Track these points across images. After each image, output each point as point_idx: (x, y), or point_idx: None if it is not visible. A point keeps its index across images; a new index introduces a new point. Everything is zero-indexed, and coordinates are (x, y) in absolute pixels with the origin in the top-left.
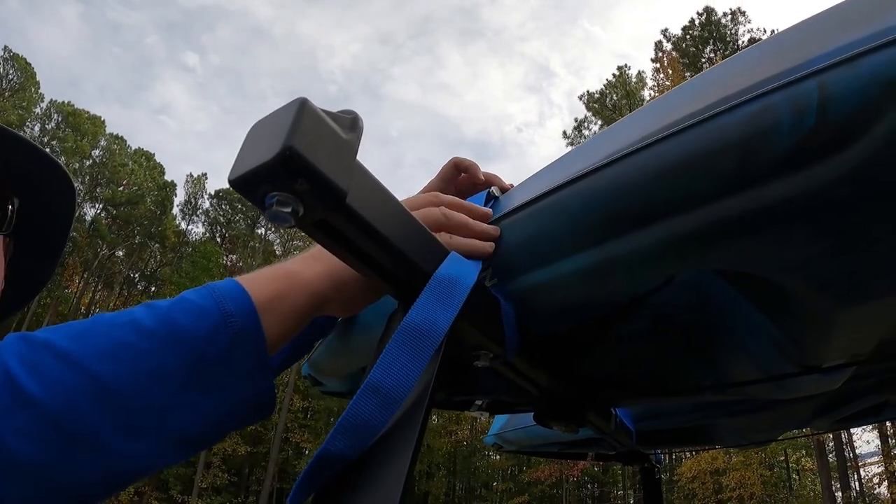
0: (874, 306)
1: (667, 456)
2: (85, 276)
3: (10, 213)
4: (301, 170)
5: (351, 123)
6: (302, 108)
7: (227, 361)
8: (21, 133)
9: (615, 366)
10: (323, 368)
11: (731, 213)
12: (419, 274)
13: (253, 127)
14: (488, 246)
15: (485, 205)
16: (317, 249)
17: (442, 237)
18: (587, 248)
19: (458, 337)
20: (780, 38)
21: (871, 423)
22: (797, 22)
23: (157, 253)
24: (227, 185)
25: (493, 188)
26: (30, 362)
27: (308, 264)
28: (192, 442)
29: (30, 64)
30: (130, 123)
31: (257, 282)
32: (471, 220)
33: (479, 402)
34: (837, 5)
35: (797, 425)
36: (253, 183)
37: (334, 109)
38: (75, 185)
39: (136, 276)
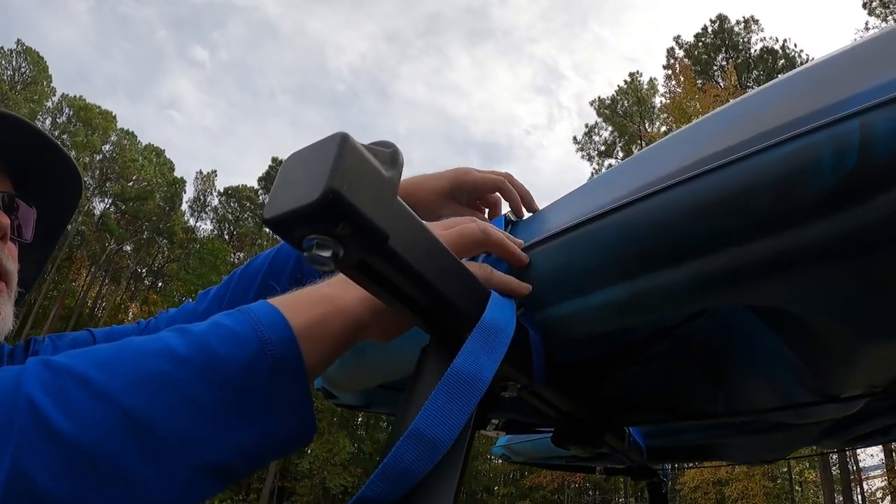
0: None
1: (671, 466)
2: (92, 269)
3: (33, 224)
4: (343, 214)
5: (391, 158)
6: (343, 145)
7: (266, 391)
8: (35, 125)
9: (635, 388)
10: (338, 383)
11: (767, 252)
12: (456, 313)
13: (288, 160)
14: (525, 287)
15: (504, 229)
16: None
17: (481, 272)
18: (618, 282)
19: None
20: (817, 71)
21: (879, 444)
22: (834, 53)
23: (165, 249)
24: (235, 183)
25: (507, 212)
26: (55, 393)
27: (345, 289)
28: (228, 474)
29: (42, 58)
30: (138, 117)
31: (294, 307)
32: (507, 240)
33: (495, 421)
34: (874, 38)
35: (807, 444)
36: (290, 225)
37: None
38: (85, 179)
39: (144, 271)
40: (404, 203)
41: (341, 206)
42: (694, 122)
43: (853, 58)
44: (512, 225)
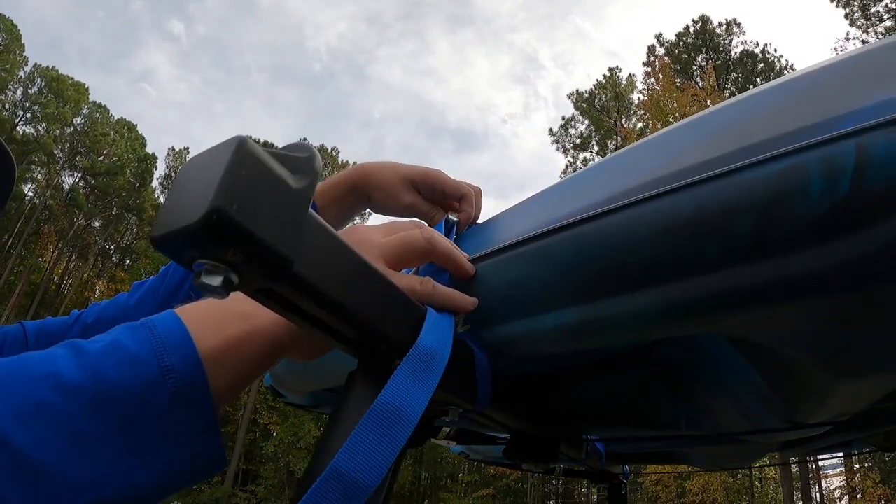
0: (878, 379)
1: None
2: (59, 245)
3: None
4: (232, 238)
5: (305, 164)
6: (238, 153)
7: (166, 423)
8: None
9: (592, 400)
10: (284, 383)
11: (744, 282)
12: (383, 339)
13: (185, 167)
14: (471, 302)
15: (445, 234)
16: None
17: (422, 288)
18: (575, 304)
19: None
20: (809, 80)
21: (841, 453)
22: (829, 62)
23: (134, 226)
24: None
25: (449, 214)
26: None
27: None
28: None
29: (16, 26)
30: (110, 89)
31: (205, 324)
32: (453, 251)
33: (446, 430)
34: (874, 48)
35: (769, 452)
36: (176, 247)
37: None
38: (55, 152)
39: (112, 248)
40: (319, 218)
41: (229, 229)
42: (670, 127)
43: (850, 69)
44: (456, 229)
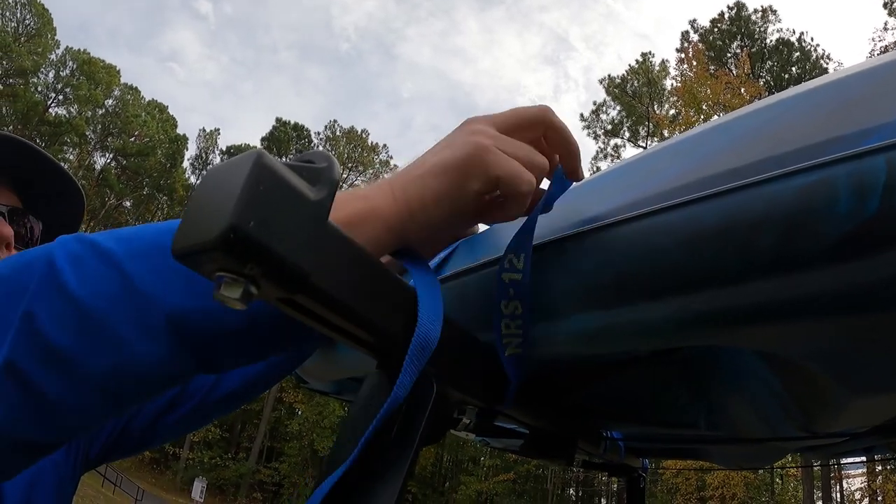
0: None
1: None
2: (91, 224)
3: (36, 237)
4: (250, 254)
5: (324, 174)
6: (255, 169)
7: None
8: (41, 148)
9: (610, 398)
10: (308, 371)
11: (763, 297)
12: (398, 345)
13: (205, 177)
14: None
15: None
16: (401, 178)
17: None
18: (590, 311)
19: (444, 396)
20: (840, 87)
21: (862, 457)
22: (859, 68)
23: (165, 206)
24: (237, 140)
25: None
26: (75, 258)
27: (384, 192)
28: (205, 348)
29: (47, 10)
30: (139, 69)
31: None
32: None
33: (466, 421)
34: None
35: (790, 452)
36: (196, 260)
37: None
38: (87, 133)
39: None
40: (337, 227)
41: (246, 246)
42: (694, 130)
43: (881, 77)
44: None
